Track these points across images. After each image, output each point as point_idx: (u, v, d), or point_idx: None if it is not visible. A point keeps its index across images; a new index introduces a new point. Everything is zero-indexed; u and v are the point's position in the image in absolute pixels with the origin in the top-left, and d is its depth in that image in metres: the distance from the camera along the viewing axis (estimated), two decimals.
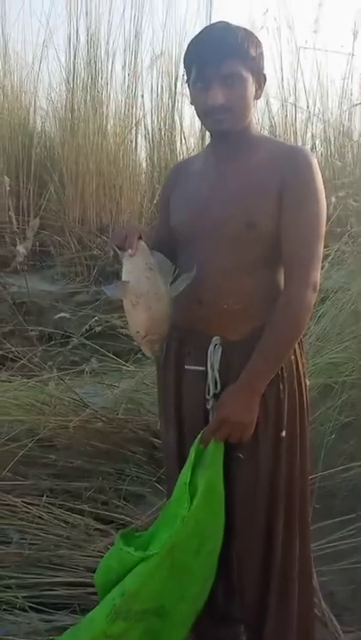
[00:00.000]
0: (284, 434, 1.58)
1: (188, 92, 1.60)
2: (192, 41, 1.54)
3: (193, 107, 1.60)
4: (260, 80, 1.56)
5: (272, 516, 1.60)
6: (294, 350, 1.60)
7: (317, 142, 5.47)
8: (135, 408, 2.95)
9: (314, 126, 5.38)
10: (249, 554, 1.64)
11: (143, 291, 1.52)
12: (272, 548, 1.61)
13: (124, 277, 1.55)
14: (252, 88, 1.52)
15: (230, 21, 1.54)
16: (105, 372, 3.25)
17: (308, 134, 5.48)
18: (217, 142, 1.63)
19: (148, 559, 1.47)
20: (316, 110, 5.32)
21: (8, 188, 4.55)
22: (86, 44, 5.21)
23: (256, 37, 1.54)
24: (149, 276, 1.53)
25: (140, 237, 1.55)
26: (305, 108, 5.28)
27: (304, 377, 1.65)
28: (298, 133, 5.42)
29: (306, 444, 1.65)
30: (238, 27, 1.52)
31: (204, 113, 1.55)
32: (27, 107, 5.63)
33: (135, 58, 5.24)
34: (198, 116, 1.61)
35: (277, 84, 5.24)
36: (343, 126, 5.22)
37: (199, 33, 1.54)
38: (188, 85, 1.58)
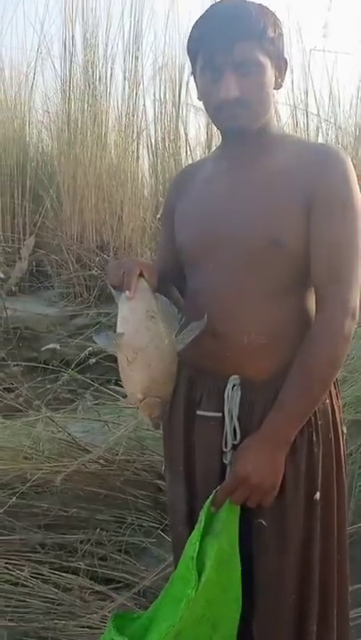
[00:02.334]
0: (318, 496, 1.32)
1: (195, 84, 1.36)
2: (197, 22, 1.30)
3: (201, 102, 1.36)
4: (281, 65, 1.32)
5: (304, 597, 1.33)
6: (329, 391, 1.34)
7: None
8: (137, 445, 2.65)
9: (326, 133, 5.16)
10: None
11: (142, 344, 1.27)
12: (303, 637, 1.33)
13: (119, 327, 1.30)
14: (271, 76, 1.29)
15: None
16: (103, 404, 2.96)
17: (320, 141, 5.27)
18: (231, 144, 1.38)
19: None
20: (328, 116, 5.11)
21: None
22: (83, 48, 5.01)
23: (274, 14, 1.30)
24: (150, 327, 1.28)
25: (141, 275, 1.29)
26: (316, 113, 5.06)
27: (341, 423, 1.39)
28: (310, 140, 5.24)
29: (344, 505, 1.39)
30: (252, 2, 1.28)
31: (214, 108, 1.31)
32: (22, 118, 5.44)
33: (136, 63, 5.04)
34: (208, 113, 1.36)
35: (287, 90, 5.01)
36: (358, 131, 4.99)
37: (205, 12, 1.30)
38: (194, 76, 1.34)
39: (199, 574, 1.23)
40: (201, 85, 1.32)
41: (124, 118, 5.15)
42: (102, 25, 5.00)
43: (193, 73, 1.35)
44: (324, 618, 1.34)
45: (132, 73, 5.04)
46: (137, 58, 4.98)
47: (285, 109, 4.98)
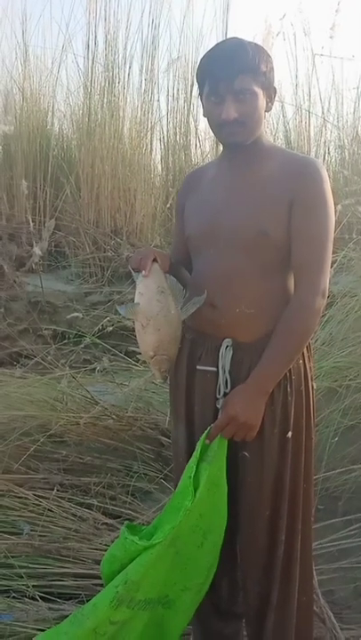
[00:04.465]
0: (290, 434, 1.62)
1: (201, 105, 1.64)
2: (205, 57, 1.59)
3: (206, 119, 1.65)
4: (271, 93, 1.60)
5: (276, 513, 1.64)
6: (303, 354, 1.64)
7: (331, 148, 5.51)
8: (144, 407, 3.00)
9: (328, 132, 5.39)
10: (252, 549, 1.68)
11: (153, 313, 1.57)
12: (275, 544, 1.65)
13: (136, 299, 1.60)
14: (263, 102, 1.57)
15: (242, 36, 1.58)
16: (116, 372, 3.31)
17: (322, 140, 5.47)
18: (230, 153, 1.67)
19: (152, 548, 1.51)
20: (331, 117, 5.33)
21: (26, 192, 4.61)
22: (104, 49, 5.28)
23: (266, 52, 1.58)
24: (160, 299, 1.58)
25: (154, 260, 1.60)
26: (320, 114, 5.28)
27: (311, 380, 1.69)
28: (312, 139, 5.43)
29: (311, 446, 1.69)
30: (249, 42, 1.56)
31: (217, 126, 1.59)
32: (45, 110, 5.69)
33: (152, 63, 5.29)
34: (211, 129, 1.65)
35: (292, 90, 5.26)
36: (357, 133, 5.23)
37: (211, 49, 1.59)
38: (201, 99, 1.63)
39: (195, 490, 1.53)
40: (206, 107, 1.60)
41: (139, 113, 5.40)
42: (122, 26, 5.27)
43: (200, 95, 1.63)
44: (292, 529, 1.65)
45: (149, 71, 5.28)
46: (153, 57, 5.24)
47: (290, 108, 5.23)
